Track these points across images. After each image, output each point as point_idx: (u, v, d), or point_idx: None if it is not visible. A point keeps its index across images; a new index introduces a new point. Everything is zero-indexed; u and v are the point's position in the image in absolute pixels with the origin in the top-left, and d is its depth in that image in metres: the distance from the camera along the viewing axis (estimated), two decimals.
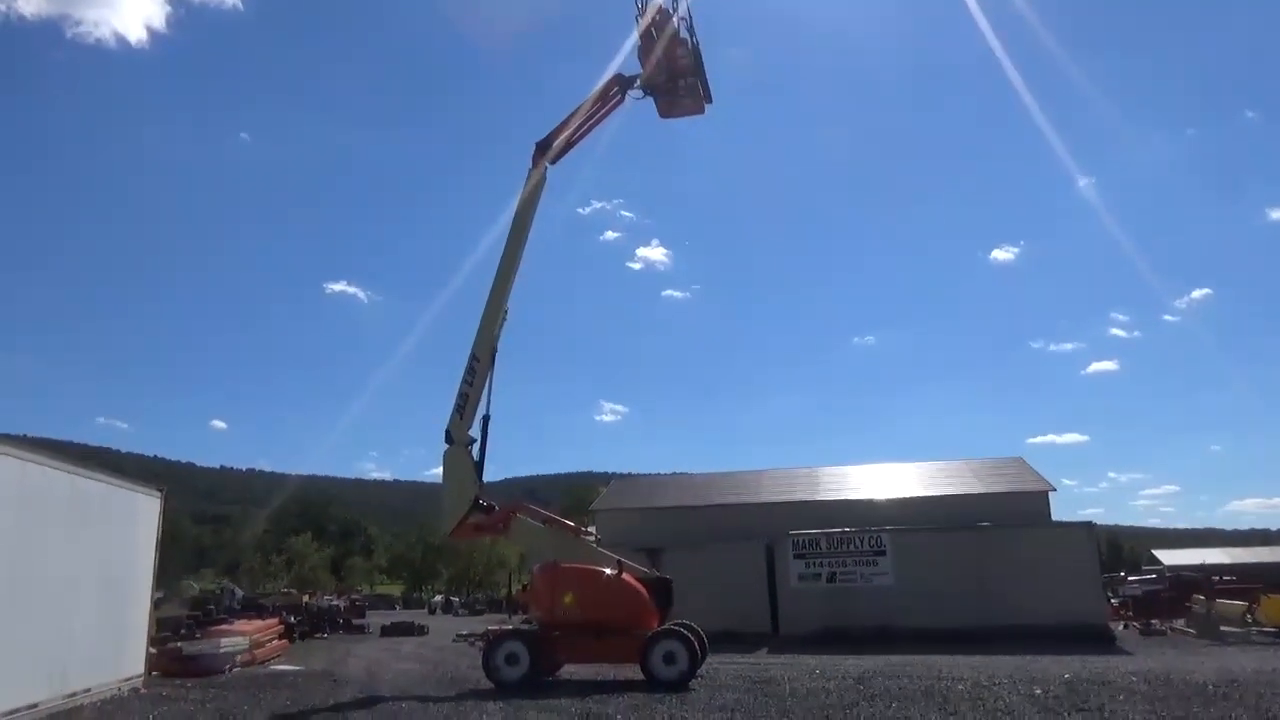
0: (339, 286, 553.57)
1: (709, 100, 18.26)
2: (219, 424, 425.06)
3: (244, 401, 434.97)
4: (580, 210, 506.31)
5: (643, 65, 17.71)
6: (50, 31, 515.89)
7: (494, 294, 17.08)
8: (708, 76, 18.02)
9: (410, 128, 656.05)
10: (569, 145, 17.83)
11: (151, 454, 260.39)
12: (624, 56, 18.43)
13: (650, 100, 18.05)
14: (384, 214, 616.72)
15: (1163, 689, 12.73)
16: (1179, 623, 29.02)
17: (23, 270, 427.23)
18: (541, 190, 17.56)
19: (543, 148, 17.54)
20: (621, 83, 17.83)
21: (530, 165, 17.55)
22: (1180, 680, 13.75)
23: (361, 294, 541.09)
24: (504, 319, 17.15)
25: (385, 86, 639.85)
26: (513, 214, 17.50)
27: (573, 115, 17.73)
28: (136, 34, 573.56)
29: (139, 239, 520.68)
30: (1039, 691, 12.59)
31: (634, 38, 17.85)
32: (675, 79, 17.71)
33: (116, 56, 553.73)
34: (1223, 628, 26.55)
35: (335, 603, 44.26)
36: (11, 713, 10.76)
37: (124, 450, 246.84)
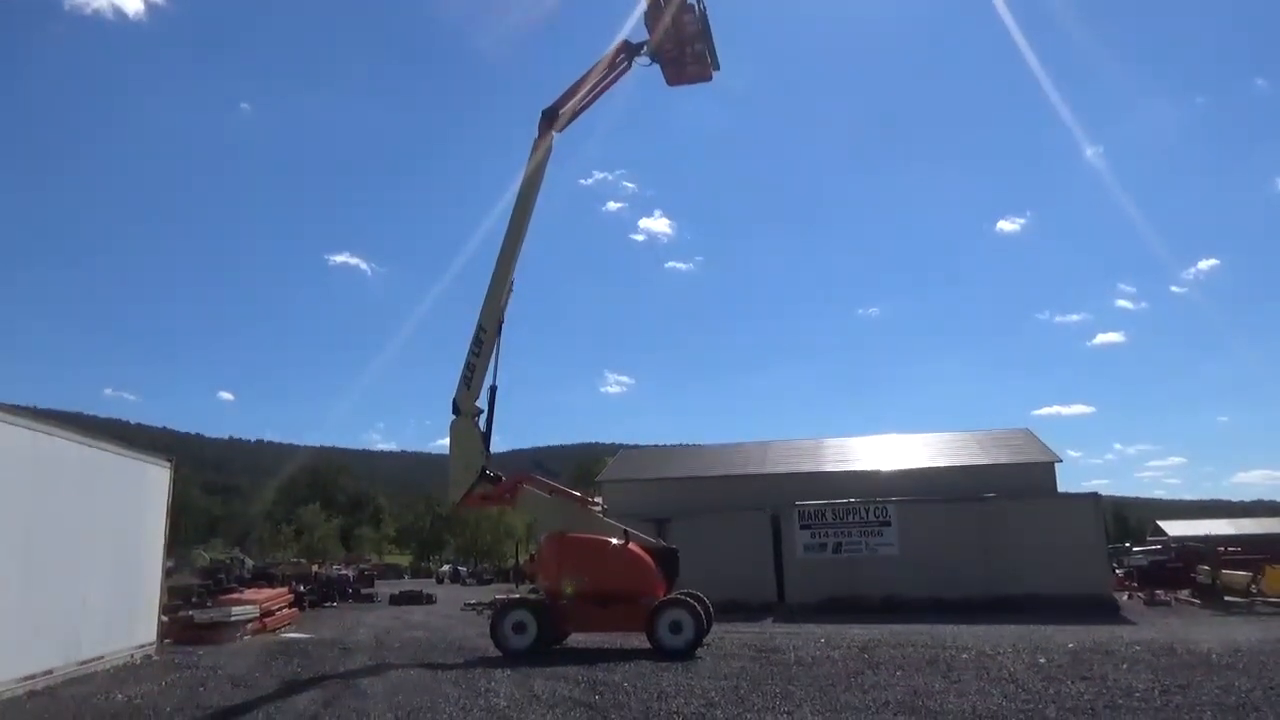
0: (342, 258, 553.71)
1: (716, 68, 18.04)
2: (226, 395, 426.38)
3: (251, 373, 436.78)
4: (582, 181, 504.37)
5: (649, 32, 17.49)
6: (47, 3, 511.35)
7: (500, 265, 16.98)
8: (714, 43, 17.80)
9: (413, 97, 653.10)
10: (576, 112, 17.65)
11: (160, 425, 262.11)
12: (631, 23, 18.19)
13: (655, 68, 17.84)
14: (387, 185, 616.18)
15: (1166, 658, 12.81)
16: (1184, 593, 29.13)
17: (27, 244, 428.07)
18: (548, 159, 17.40)
19: (549, 115, 17.34)
20: (628, 49, 17.59)
21: (536, 133, 17.38)
22: (1184, 650, 13.82)
23: (365, 265, 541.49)
24: (510, 290, 17.08)
25: (387, 55, 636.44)
26: (519, 184, 17.37)
27: (579, 82, 17.50)
28: (134, 5, 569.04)
29: (141, 212, 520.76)
30: (1043, 660, 12.68)
31: (641, 3, 17.62)
32: (683, 46, 17.49)
33: (114, 28, 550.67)
34: (1227, 598, 26.68)
35: (344, 572, 44.72)
36: (27, 678, 10.92)
37: (133, 421, 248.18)
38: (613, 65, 17.58)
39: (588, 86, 17.52)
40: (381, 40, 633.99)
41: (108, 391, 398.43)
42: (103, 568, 13.40)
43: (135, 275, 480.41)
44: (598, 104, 18.00)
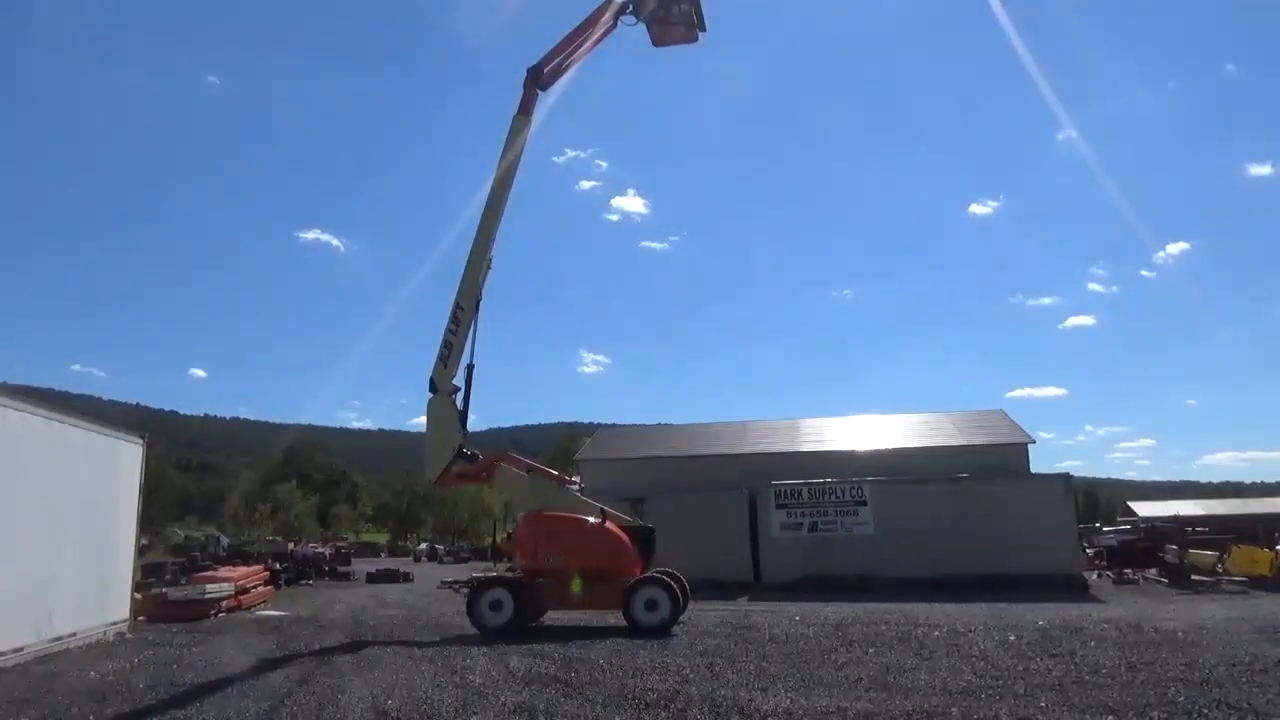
0: (312, 234, 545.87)
1: (703, 29, 17.78)
2: (198, 372, 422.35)
3: (223, 350, 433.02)
4: (555, 159, 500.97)
5: None
6: None
7: (478, 241, 16.84)
8: (702, 5, 17.53)
9: (385, 71, 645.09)
10: (561, 71, 17.43)
11: (134, 401, 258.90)
12: None
13: (639, 33, 17.53)
14: (358, 161, 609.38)
15: (1133, 635, 13.04)
16: (1152, 572, 29.60)
17: None
18: (530, 121, 17.15)
19: (535, 72, 17.10)
20: (615, 8, 17.36)
21: (519, 99, 17.09)
22: (1151, 627, 14.07)
23: (336, 242, 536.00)
24: (489, 267, 16.96)
25: (360, 27, 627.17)
26: (500, 157, 17.10)
27: (565, 40, 17.22)
28: None
29: (108, 184, 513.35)
30: (1013, 638, 12.87)
31: None
32: (670, 5, 17.26)
33: None
34: (1194, 577, 27.13)
35: (321, 550, 44.52)
36: None
37: (105, 398, 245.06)
38: (598, 23, 17.22)
39: (572, 44, 17.24)
40: (354, 12, 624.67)
41: (76, 367, 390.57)
42: (74, 544, 13.23)
43: (101, 249, 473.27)
44: (580, 69, 17.80)
